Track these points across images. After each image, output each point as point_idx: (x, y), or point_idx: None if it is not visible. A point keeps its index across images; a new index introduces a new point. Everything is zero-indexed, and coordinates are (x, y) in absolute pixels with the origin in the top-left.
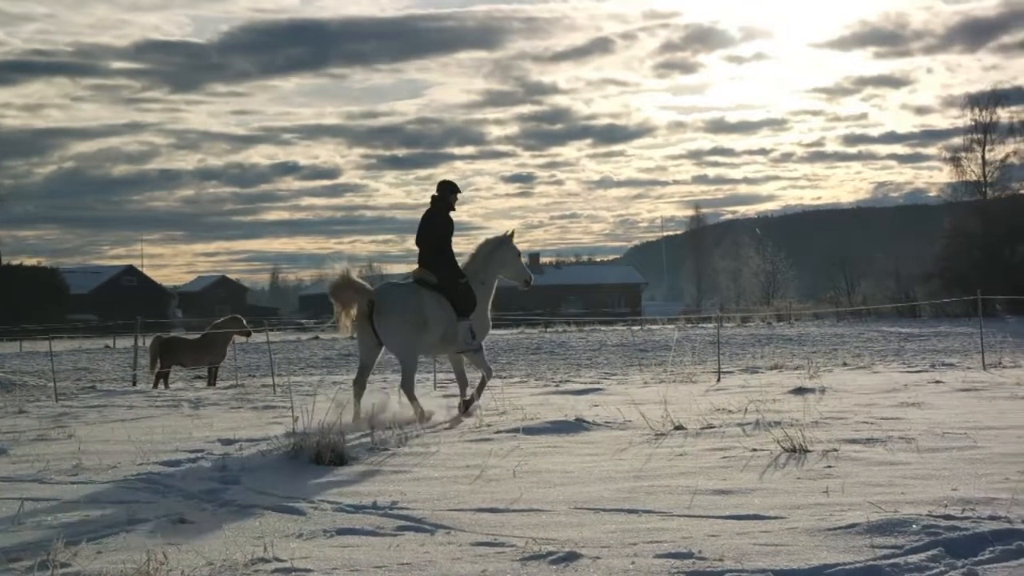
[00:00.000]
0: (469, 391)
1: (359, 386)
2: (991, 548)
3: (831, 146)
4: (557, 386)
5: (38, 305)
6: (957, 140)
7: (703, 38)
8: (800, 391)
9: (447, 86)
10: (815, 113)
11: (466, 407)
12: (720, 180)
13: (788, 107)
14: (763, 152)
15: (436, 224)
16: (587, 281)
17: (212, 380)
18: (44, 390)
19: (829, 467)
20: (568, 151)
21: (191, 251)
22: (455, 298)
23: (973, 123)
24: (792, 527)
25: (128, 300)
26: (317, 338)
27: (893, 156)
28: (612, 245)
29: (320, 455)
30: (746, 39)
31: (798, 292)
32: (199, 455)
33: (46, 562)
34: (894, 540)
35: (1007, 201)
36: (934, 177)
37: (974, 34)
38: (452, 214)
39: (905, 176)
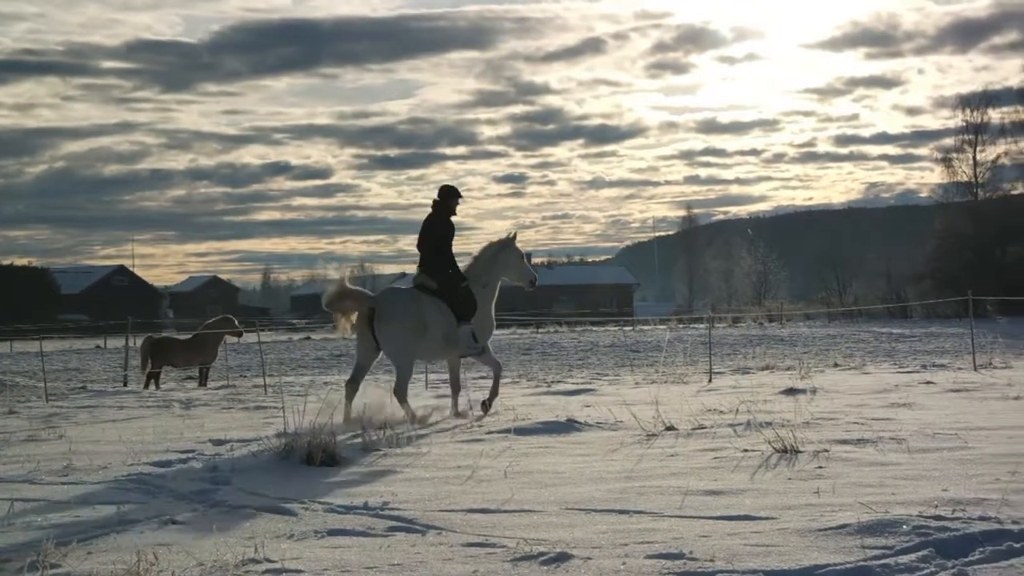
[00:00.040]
0: (464, 397)
1: (352, 386)
2: (981, 549)
3: (823, 147)
4: (549, 387)
5: (28, 305)
6: (948, 141)
7: (695, 38)
8: (791, 392)
9: (439, 86)
10: (807, 114)
11: (487, 406)
12: (712, 180)
13: (780, 108)
14: (755, 153)
15: (437, 228)
16: (579, 282)
17: (203, 380)
18: (34, 390)
19: (820, 468)
20: (560, 151)
21: (182, 251)
22: (455, 303)
23: (964, 124)
24: (783, 528)
25: (119, 300)
26: (309, 338)
27: (884, 157)
28: (604, 245)
29: (311, 456)
30: (738, 40)
31: (789, 293)
32: (190, 456)
33: (36, 563)
34: (885, 541)
35: (998, 202)
36: (925, 178)
37: (965, 35)
38: (454, 218)
39: (896, 177)
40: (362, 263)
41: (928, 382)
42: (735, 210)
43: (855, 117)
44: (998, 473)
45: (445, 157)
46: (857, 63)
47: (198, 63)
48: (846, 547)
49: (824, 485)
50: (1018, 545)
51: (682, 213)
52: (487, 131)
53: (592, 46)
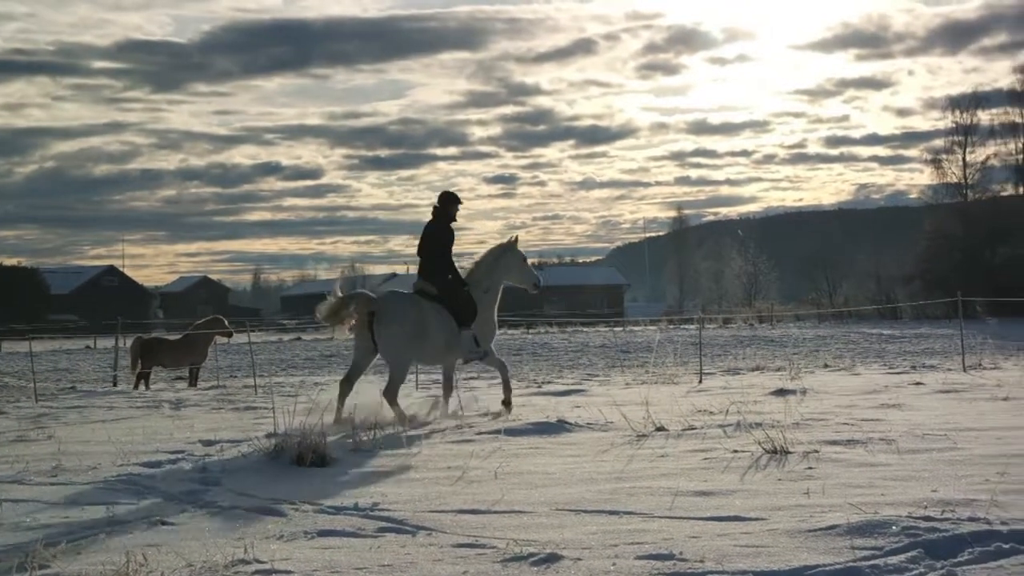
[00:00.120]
0: (454, 399)
1: (347, 385)
2: (970, 549)
3: (813, 148)
4: (539, 387)
5: (18, 305)
6: (938, 142)
7: (686, 39)
8: (781, 392)
9: (430, 87)
10: (797, 115)
11: (508, 404)
12: (702, 181)
13: (770, 109)
14: (745, 154)
15: (437, 234)
16: (569, 282)
17: (193, 381)
18: (24, 391)
19: (810, 468)
20: (551, 152)
21: (173, 251)
22: (456, 308)
23: (954, 125)
24: (773, 528)
25: (109, 300)
26: (299, 339)
27: (875, 158)
28: (594, 246)
29: (301, 456)
30: (728, 41)
31: (780, 294)
32: (180, 456)
33: (24, 563)
34: (874, 541)
35: (987, 203)
36: (915, 179)
37: (955, 37)
38: (453, 225)
39: (886, 178)
40: (352, 263)
41: (918, 383)
42: (725, 211)
43: (845, 118)
44: (987, 474)
45: (436, 158)
46: (847, 64)
47: (189, 63)
48: (836, 548)
49: (814, 486)
50: (1007, 546)
51: (673, 214)
52: (478, 132)
53: (583, 47)
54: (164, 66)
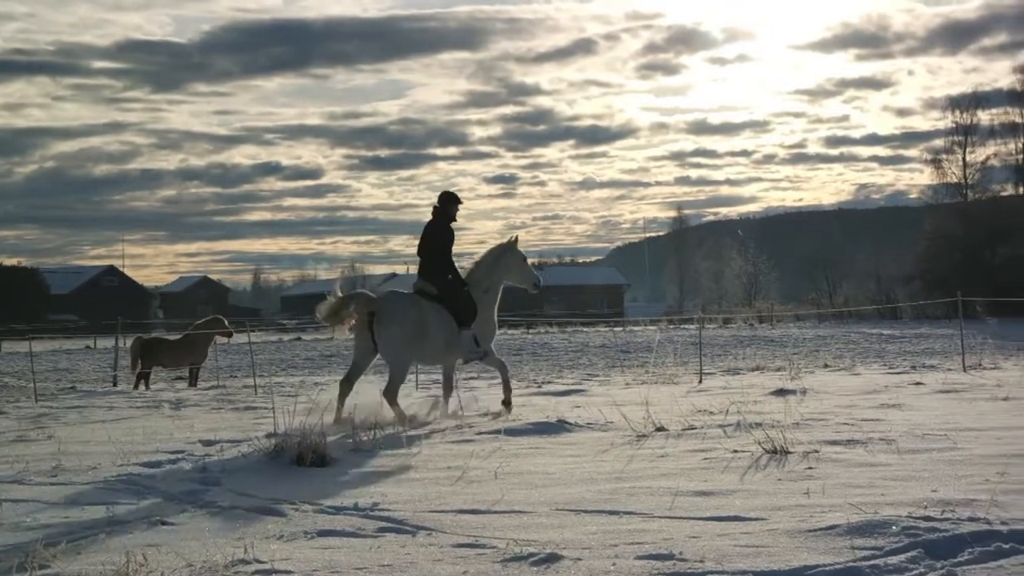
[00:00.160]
0: (454, 399)
1: (347, 385)
2: (970, 549)
3: (813, 148)
4: (539, 387)
5: (18, 305)
6: (938, 142)
7: (686, 39)
8: (781, 392)
9: (430, 87)
10: (797, 115)
11: (508, 404)
12: (702, 181)
13: (770, 109)
14: (745, 154)
15: (437, 234)
16: (569, 282)
17: (193, 381)
18: (24, 391)
19: (810, 468)
20: (551, 152)
21: (173, 251)
22: (456, 308)
23: (954, 125)
24: (773, 528)
25: (109, 300)
26: (299, 339)
27: (875, 158)
28: (595, 246)
29: (301, 456)
30: (728, 41)
31: (780, 294)
32: (179, 456)
33: (24, 563)
34: (874, 541)
35: (987, 203)
36: (915, 179)
37: (955, 37)
38: (453, 225)
39: (886, 178)
40: (352, 264)
41: (918, 383)
42: (725, 211)
43: (845, 118)
44: (987, 474)
45: (436, 158)
46: (847, 64)
47: (189, 63)
48: (836, 548)
49: (814, 486)
50: (1007, 546)
51: (673, 214)
52: (478, 132)
53: (583, 47)
54: (164, 66)
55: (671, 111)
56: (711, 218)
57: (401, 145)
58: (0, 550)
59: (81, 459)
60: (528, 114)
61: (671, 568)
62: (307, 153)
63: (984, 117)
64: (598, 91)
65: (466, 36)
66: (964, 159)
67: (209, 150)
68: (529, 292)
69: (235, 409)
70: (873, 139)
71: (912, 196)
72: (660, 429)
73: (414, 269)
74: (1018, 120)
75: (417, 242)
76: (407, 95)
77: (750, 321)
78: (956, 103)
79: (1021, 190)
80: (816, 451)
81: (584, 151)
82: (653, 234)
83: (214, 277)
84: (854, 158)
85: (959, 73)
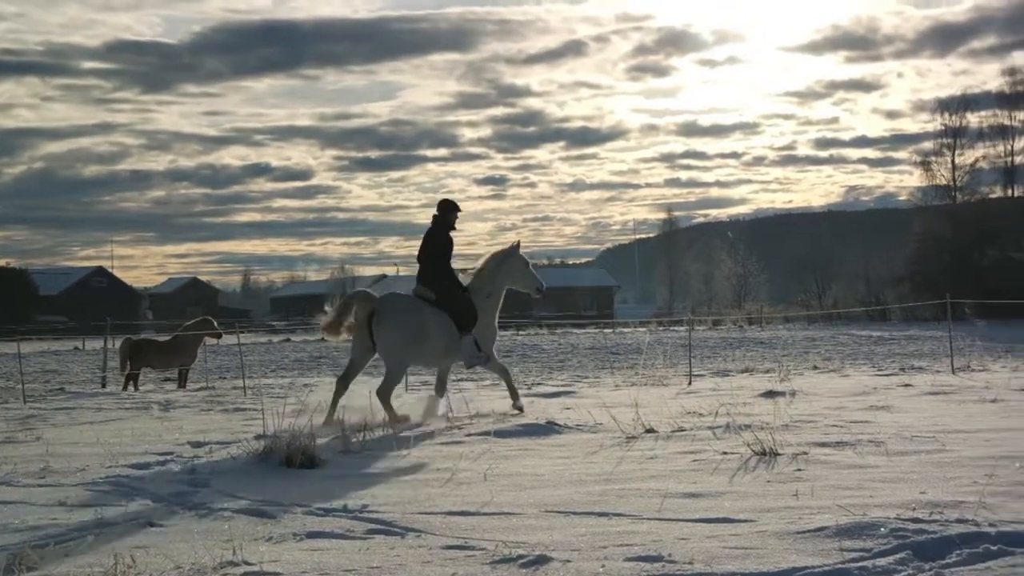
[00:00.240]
0: (445, 401)
1: (343, 384)
2: (958, 551)
3: (803, 150)
4: (529, 389)
5: (7, 306)
6: (927, 144)
7: (676, 41)
8: (770, 394)
9: (420, 88)
10: (787, 117)
11: (517, 406)
12: (692, 183)
13: (760, 111)
14: (735, 155)
15: (437, 241)
16: (559, 284)
17: (182, 382)
18: (12, 392)
19: (799, 470)
20: (541, 154)
21: (162, 252)
22: (455, 313)
23: (943, 127)
24: (761, 530)
25: (98, 302)
26: (288, 340)
27: (864, 160)
28: (585, 248)
29: (290, 458)
30: (719, 43)
31: (769, 295)
32: (168, 458)
33: (12, 565)
34: (863, 543)
35: (976, 205)
36: (904, 181)
37: (944, 39)
38: (452, 233)
39: (876, 180)
40: (342, 265)
41: (906, 385)
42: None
43: (835, 120)
44: (975, 476)
45: (426, 159)
46: (837, 66)
47: (178, 64)
48: (824, 549)
49: (803, 488)
50: (995, 548)
51: (663, 216)
52: (468, 133)
53: (573, 49)
54: (154, 67)
55: (661, 113)
56: (701, 220)
57: (391, 146)
58: None
59: (69, 461)
60: (518, 115)
61: (660, 570)
62: (297, 154)
63: (973, 119)
64: (588, 93)
65: (456, 37)
66: (953, 161)
67: (199, 151)
68: (532, 297)
69: (224, 411)
70: (862, 141)
71: (901, 198)
72: (649, 431)
73: (404, 271)
74: (1007, 122)
75: (412, 245)
76: (397, 96)
77: (740, 323)
78: (945, 105)
79: (1010, 192)
80: (805, 453)
81: (574, 153)
82: (643, 236)
83: (203, 278)
84: (843, 160)
85: (948, 76)
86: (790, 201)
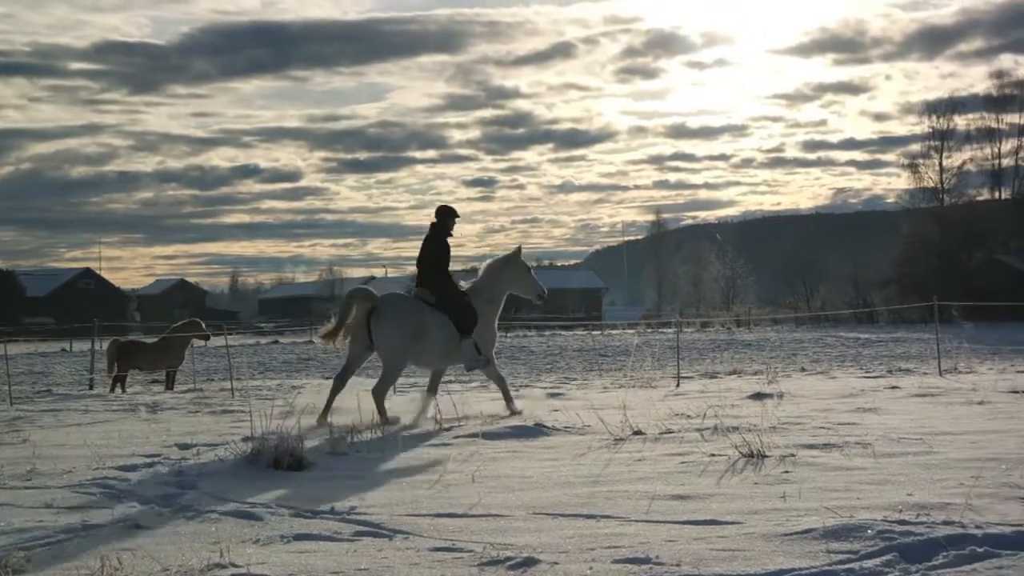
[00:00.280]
0: (432, 403)
1: (340, 382)
2: (945, 553)
3: (791, 152)
4: (517, 391)
5: None
6: (915, 147)
7: (664, 43)
8: (758, 396)
9: (409, 89)
10: (775, 119)
11: (512, 410)
12: (681, 185)
13: (748, 113)
14: (723, 158)
15: (435, 246)
16: (548, 286)
17: (170, 384)
18: None
19: (786, 472)
20: (530, 155)
21: (150, 254)
22: (455, 316)
23: (931, 130)
24: (749, 532)
25: (85, 303)
26: (276, 342)
27: (852, 162)
28: (573, 250)
29: (278, 460)
30: (707, 45)
31: (757, 297)
32: (156, 460)
33: None
34: (850, 545)
35: (964, 208)
36: (892, 183)
37: (932, 42)
38: (450, 239)
39: (864, 182)
40: (331, 266)
41: (894, 387)
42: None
43: (823, 123)
44: (962, 478)
45: (415, 161)
46: (825, 69)
47: (167, 65)
48: (811, 551)
49: (790, 490)
50: (981, 550)
51: (651, 218)
52: (457, 135)
53: (562, 50)
54: (142, 68)
55: (650, 115)
56: (689, 222)
57: (380, 148)
58: None
59: (56, 463)
60: (507, 117)
61: (648, 572)
62: (285, 156)
63: (960, 122)
64: (577, 95)
65: (445, 39)
66: (941, 164)
67: (187, 152)
68: (534, 302)
69: (212, 412)
70: (850, 144)
71: (889, 200)
72: (637, 433)
73: (392, 272)
74: (994, 125)
75: (400, 247)
76: (386, 98)
77: (728, 325)
78: (933, 108)
79: (997, 195)
80: (792, 455)
81: (563, 154)
82: (632, 238)
83: (191, 280)
84: (832, 162)
85: (936, 78)
86: (778, 203)
